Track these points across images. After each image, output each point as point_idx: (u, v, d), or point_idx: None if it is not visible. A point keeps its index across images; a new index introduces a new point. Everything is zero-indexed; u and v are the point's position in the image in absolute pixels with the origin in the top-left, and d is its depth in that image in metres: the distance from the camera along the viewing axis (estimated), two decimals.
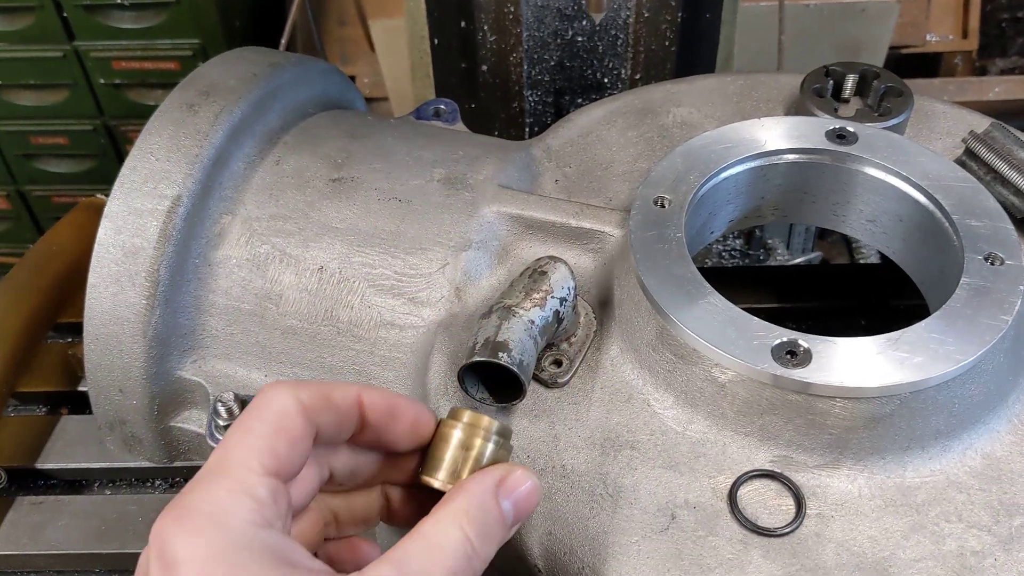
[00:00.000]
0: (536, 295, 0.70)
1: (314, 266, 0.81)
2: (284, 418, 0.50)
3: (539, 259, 0.73)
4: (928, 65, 2.47)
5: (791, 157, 0.80)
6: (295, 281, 0.81)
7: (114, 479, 0.91)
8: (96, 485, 0.92)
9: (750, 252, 1.37)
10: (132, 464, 0.89)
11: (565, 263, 0.73)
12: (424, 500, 0.56)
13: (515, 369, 0.65)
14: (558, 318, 0.71)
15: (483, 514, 0.51)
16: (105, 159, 2.25)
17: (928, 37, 2.32)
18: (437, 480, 0.55)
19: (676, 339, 0.69)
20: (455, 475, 0.55)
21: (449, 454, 0.56)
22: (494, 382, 0.70)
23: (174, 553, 0.44)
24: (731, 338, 0.67)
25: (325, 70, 0.99)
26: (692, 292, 0.70)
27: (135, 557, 0.84)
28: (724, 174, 0.80)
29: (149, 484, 0.91)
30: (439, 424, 0.57)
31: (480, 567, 0.50)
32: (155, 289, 0.80)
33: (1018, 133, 0.87)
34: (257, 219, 0.84)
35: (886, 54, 2.14)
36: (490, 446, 0.56)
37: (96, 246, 0.81)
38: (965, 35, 2.33)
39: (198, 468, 0.86)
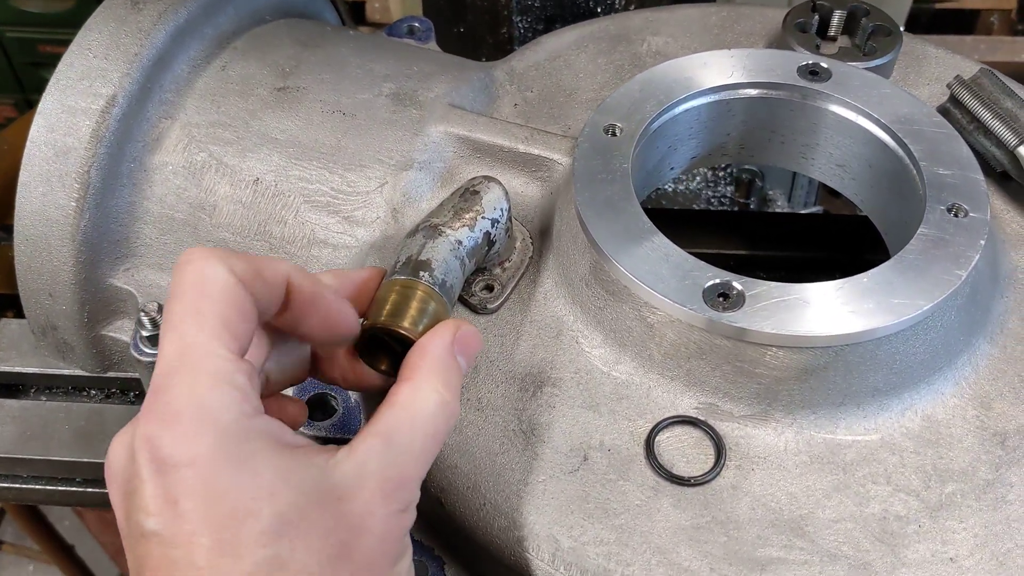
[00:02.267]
0: (466, 215, 0.66)
1: (250, 178, 0.78)
2: (230, 293, 0.47)
3: (472, 178, 0.69)
4: (964, 22, 2.36)
5: (755, 91, 0.75)
6: (230, 192, 0.78)
7: (50, 386, 0.89)
8: (32, 391, 0.90)
9: (741, 200, 1.32)
10: (66, 372, 0.86)
11: (499, 183, 0.68)
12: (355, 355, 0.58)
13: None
14: (488, 240, 0.67)
15: (448, 372, 0.53)
16: None
17: None
18: (403, 328, 0.56)
19: (608, 275, 0.65)
20: (415, 322, 0.57)
21: (406, 306, 0.57)
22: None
23: (173, 458, 0.43)
24: (663, 277, 0.63)
25: None
26: (631, 227, 0.66)
27: (55, 464, 0.83)
28: (683, 106, 0.75)
29: (85, 393, 0.89)
30: (382, 284, 0.59)
31: (455, 419, 0.52)
32: (85, 192, 0.77)
33: (1009, 81, 0.81)
34: (197, 125, 0.80)
35: (917, 9, 2.04)
36: (438, 299, 0.58)
37: (28, 143, 0.78)
38: None
39: (134, 379, 0.85)
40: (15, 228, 0.79)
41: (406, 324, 0.57)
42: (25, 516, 1.68)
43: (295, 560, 0.44)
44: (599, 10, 1.21)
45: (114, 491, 0.48)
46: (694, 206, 1.30)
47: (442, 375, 0.52)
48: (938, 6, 2.22)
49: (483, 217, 0.66)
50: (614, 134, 0.72)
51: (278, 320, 0.53)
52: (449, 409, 0.51)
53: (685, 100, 0.75)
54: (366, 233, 0.75)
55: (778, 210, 1.45)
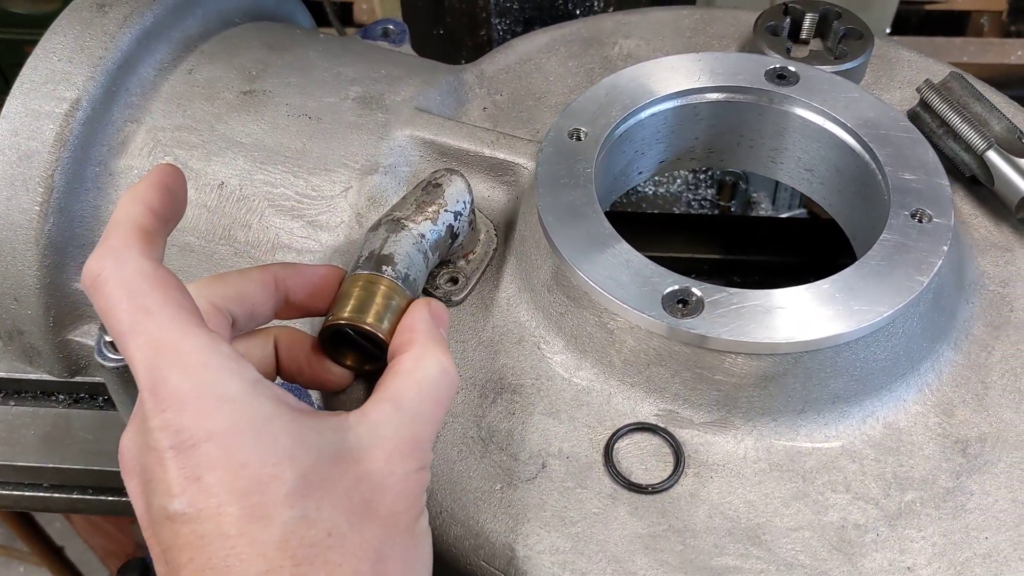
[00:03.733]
0: (429, 208, 0.65)
1: (215, 182, 0.77)
2: (154, 273, 0.48)
3: (435, 171, 0.68)
4: (953, 24, 2.35)
5: (721, 95, 0.75)
6: (195, 196, 0.78)
7: (18, 391, 0.89)
8: (0, 396, 0.89)
9: (722, 204, 1.31)
10: (33, 376, 0.86)
11: (462, 175, 0.68)
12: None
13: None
14: (452, 233, 0.67)
15: (441, 341, 0.55)
16: None
17: None
18: (368, 324, 0.57)
19: (570, 281, 0.65)
20: (379, 318, 0.57)
21: (371, 301, 0.58)
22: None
23: (192, 437, 0.44)
24: (623, 283, 0.62)
25: None
26: (592, 233, 0.65)
27: (21, 470, 0.83)
28: (649, 110, 0.74)
29: (52, 398, 0.89)
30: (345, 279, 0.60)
31: (457, 386, 0.54)
32: (49, 196, 0.76)
33: (980, 85, 0.81)
34: (162, 129, 0.80)
35: (905, 11, 2.03)
36: (401, 294, 0.59)
37: None
38: None
39: (101, 384, 0.85)
40: None
41: (370, 319, 0.57)
42: (14, 518, 1.67)
43: (322, 518, 0.45)
44: (577, 12, 1.21)
45: (132, 483, 0.48)
46: (674, 209, 1.29)
47: (437, 343, 0.55)
48: (928, 7, 2.21)
49: (446, 210, 0.66)
50: (579, 138, 0.71)
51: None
52: (450, 375, 0.53)
53: (651, 104, 0.74)
54: (330, 238, 0.75)
55: (762, 213, 1.44)
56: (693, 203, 1.31)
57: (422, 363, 0.53)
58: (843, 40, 0.83)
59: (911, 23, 2.36)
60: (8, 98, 0.78)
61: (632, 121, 0.74)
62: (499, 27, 1.22)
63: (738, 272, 0.96)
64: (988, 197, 0.76)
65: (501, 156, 0.76)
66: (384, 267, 0.59)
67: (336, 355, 0.59)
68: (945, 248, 0.63)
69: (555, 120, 0.72)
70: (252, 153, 0.78)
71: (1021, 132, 0.74)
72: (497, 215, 0.76)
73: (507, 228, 0.75)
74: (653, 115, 0.75)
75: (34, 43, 2.13)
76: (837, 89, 0.74)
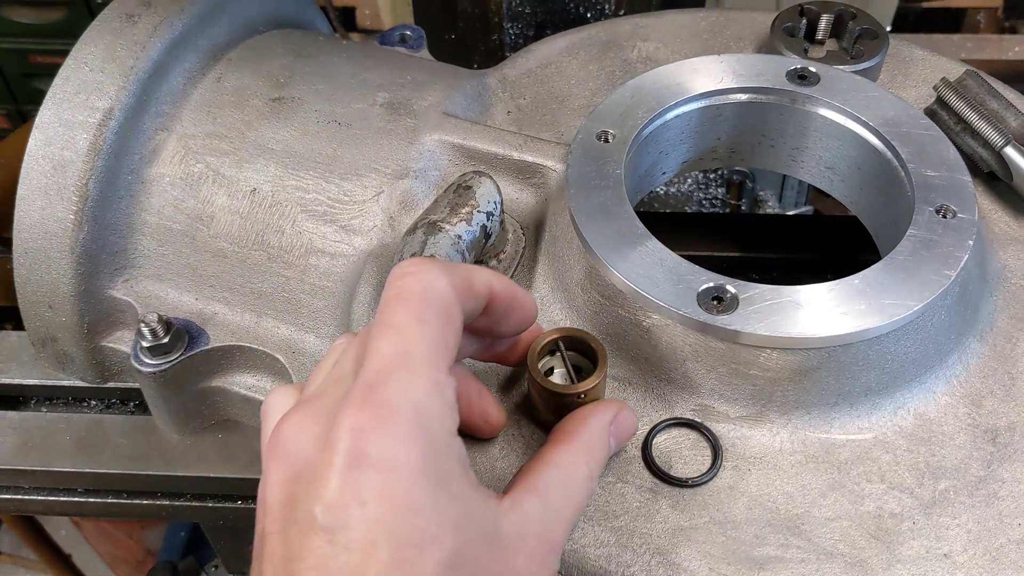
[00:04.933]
0: (462, 210, 0.67)
1: (247, 188, 0.79)
2: (449, 307, 0.48)
3: (463, 174, 0.70)
4: (951, 20, 2.38)
5: (745, 96, 0.76)
6: (227, 203, 0.79)
7: (50, 397, 0.90)
8: (32, 402, 0.90)
9: (733, 202, 1.33)
10: (66, 382, 0.87)
11: (490, 176, 0.70)
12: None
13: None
14: (485, 233, 0.69)
15: (600, 452, 0.55)
16: None
17: None
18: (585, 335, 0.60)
19: (603, 280, 0.66)
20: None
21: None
22: None
23: (378, 457, 0.42)
24: (657, 281, 0.64)
25: None
26: (624, 232, 0.67)
27: (57, 475, 0.84)
28: (674, 112, 0.76)
29: (85, 404, 0.89)
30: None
31: (591, 496, 0.54)
32: (84, 204, 0.77)
33: (995, 82, 0.82)
34: (193, 137, 0.81)
35: (904, 8, 2.06)
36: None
37: (26, 157, 0.79)
38: None
39: (134, 389, 0.86)
40: (14, 242, 0.79)
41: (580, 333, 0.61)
42: (22, 525, 1.68)
43: None
44: (589, 16, 1.22)
45: (276, 469, 0.45)
46: (686, 208, 1.31)
47: (594, 451, 0.54)
48: (925, 5, 2.24)
49: (478, 211, 0.68)
50: (607, 140, 0.73)
51: (475, 324, 0.54)
52: (591, 485, 0.53)
53: (676, 106, 0.76)
54: (363, 241, 0.76)
55: (769, 210, 1.46)
56: (704, 202, 1.33)
57: (573, 461, 0.53)
58: (859, 40, 0.85)
59: (908, 20, 2.38)
60: (41, 108, 0.79)
61: (658, 123, 0.75)
62: (511, 31, 1.24)
63: (756, 269, 0.98)
64: (1006, 192, 0.77)
65: (529, 159, 0.77)
66: None
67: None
68: (970, 243, 0.65)
69: (583, 123, 0.74)
70: (284, 159, 0.79)
71: None
72: (525, 216, 0.77)
73: (536, 229, 0.76)
74: (678, 116, 0.76)
75: (39, 52, 2.12)
76: (857, 88, 0.76)
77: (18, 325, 0.97)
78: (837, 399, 0.63)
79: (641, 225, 0.67)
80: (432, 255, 0.62)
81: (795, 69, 0.77)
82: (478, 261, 0.72)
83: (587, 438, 0.55)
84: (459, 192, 0.69)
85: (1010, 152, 0.74)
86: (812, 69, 0.77)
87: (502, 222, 0.72)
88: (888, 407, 0.64)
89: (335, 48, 0.88)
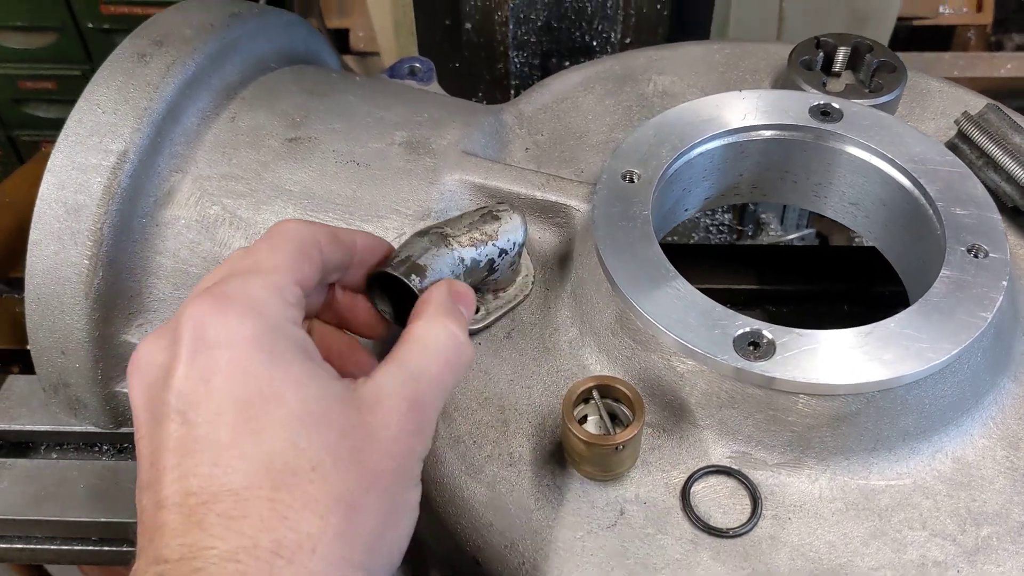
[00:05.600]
0: (477, 235, 0.66)
1: (265, 230, 0.77)
2: (308, 246, 0.54)
3: (499, 203, 0.69)
4: (940, 38, 2.39)
5: (769, 133, 0.76)
6: (245, 245, 0.77)
7: (61, 443, 0.88)
8: (43, 448, 0.89)
9: (739, 227, 1.32)
10: (78, 428, 0.85)
11: (521, 216, 0.68)
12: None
13: (418, 292, 0.59)
14: (491, 267, 0.67)
15: (454, 314, 0.55)
16: None
17: (941, 9, 2.24)
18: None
19: (635, 324, 0.65)
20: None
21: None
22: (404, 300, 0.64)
23: (216, 335, 0.47)
24: (692, 326, 0.63)
25: (289, 22, 0.95)
26: (655, 275, 0.66)
27: (71, 525, 0.82)
28: (698, 149, 0.75)
29: (96, 449, 0.88)
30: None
31: (468, 358, 0.54)
32: (98, 249, 0.76)
33: (1016, 116, 0.82)
34: (208, 178, 0.79)
35: (894, 26, 2.07)
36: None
37: (38, 201, 0.77)
38: (979, 8, 2.26)
39: None
40: (26, 287, 0.78)
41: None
42: (28, 571, 1.65)
43: (310, 450, 0.46)
44: (595, 44, 1.22)
45: (136, 384, 0.49)
46: (693, 235, 1.31)
47: (449, 315, 0.55)
48: (916, 23, 2.25)
49: (494, 243, 0.67)
50: (632, 180, 0.72)
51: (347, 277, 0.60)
52: (460, 343, 0.54)
53: (701, 144, 0.75)
54: None
55: (772, 233, 1.46)
56: (711, 228, 1.32)
57: (430, 329, 0.54)
58: (877, 73, 0.85)
59: (899, 38, 2.40)
60: (53, 152, 0.78)
61: (683, 161, 0.75)
62: (516, 60, 1.23)
63: (771, 301, 0.97)
64: None
65: (552, 198, 0.77)
66: (413, 276, 0.60)
67: (376, 302, 0.62)
68: (1004, 283, 0.65)
69: (607, 162, 0.73)
70: (302, 201, 0.78)
71: None
72: (548, 257, 0.77)
73: (560, 268, 0.75)
74: (701, 154, 0.76)
75: (28, 78, 2.10)
76: (881, 124, 0.76)
77: (26, 368, 0.96)
78: (875, 444, 0.63)
79: (672, 268, 0.66)
80: (425, 265, 0.61)
81: (818, 105, 0.77)
82: (475, 288, 0.69)
83: (437, 306, 0.55)
84: (484, 218, 0.67)
85: None
86: (835, 105, 0.76)
87: (514, 264, 0.70)
88: (926, 451, 0.64)
89: (349, 85, 0.87)
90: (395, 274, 0.60)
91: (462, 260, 0.64)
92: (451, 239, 0.64)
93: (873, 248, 0.82)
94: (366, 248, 0.60)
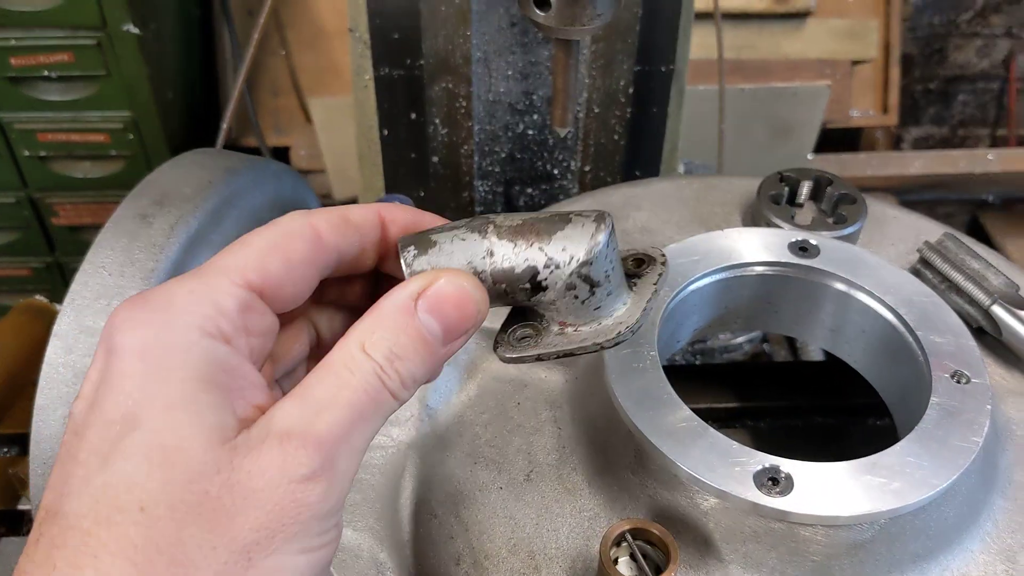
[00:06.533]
0: (528, 235, 0.50)
1: None
2: (286, 238, 0.47)
3: (584, 211, 0.53)
4: (851, 138, 2.56)
5: (758, 270, 0.81)
6: None
7: None
8: None
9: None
10: None
11: (604, 227, 0.51)
12: None
13: (406, 269, 0.49)
14: (535, 281, 0.51)
15: (394, 334, 0.45)
16: (29, 231, 2.18)
17: (851, 112, 2.40)
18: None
19: (657, 464, 0.68)
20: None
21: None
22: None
23: (117, 341, 0.43)
24: (712, 465, 0.66)
25: (278, 171, 0.98)
26: (670, 415, 0.70)
27: None
28: (692, 287, 0.80)
29: None
30: None
31: (404, 390, 0.45)
32: None
33: (968, 241, 0.90)
34: None
35: (818, 134, 2.21)
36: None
37: (44, 366, 0.77)
38: (885, 110, 2.43)
39: None
40: (32, 453, 0.77)
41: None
42: None
43: (146, 488, 0.40)
44: (555, 172, 1.27)
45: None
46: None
47: (380, 335, 0.45)
48: (829, 127, 2.40)
49: (540, 249, 0.50)
50: None
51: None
52: (383, 375, 0.44)
53: (694, 281, 0.80)
54: (400, 432, 0.77)
55: (721, 338, 1.52)
56: None
57: (345, 352, 0.45)
58: (838, 204, 0.92)
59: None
60: (59, 316, 0.78)
61: (678, 298, 0.79)
62: (481, 188, 1.28)
63: (751, 417, 1.02)
64: (995, 346, 0.83)
65: None
66: (412, 248, 0.50)
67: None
68: (989, 407, 0.70)
69: None
70: None
71: (1018, 287, 0.82)
72: (556, 396, 0.80)
73: (570, 408, 0.78)
74: (694, 291, 0.81)
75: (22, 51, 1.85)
76: (855, 258, 0.82)
77: (13, 528, 0.93)
78: (890, 568, 0.67)
79: (686, 407, 0.70)
80: (436, 241, 0.50)
81: (796, 242, 0.83)
82: (526, 307, 0.55)
83: (370, 322, 0.46)
84: (552, 219, 0.51)
85: (998, 311, 0.81)
86: (812, 242, 0.82)
87: (590, 296, 0.52)
88: (935, 571, 0.68)
89: None
90: (399, 244, 0.49)
91: (491, 253, 0.50)
92: (492, 226, 0.51)
93: (840, 362, 0.87)
94: (400, 221, 0.51)
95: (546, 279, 0.51)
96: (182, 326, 0.43)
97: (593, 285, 0.52)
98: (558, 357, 0.54)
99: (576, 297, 0.52)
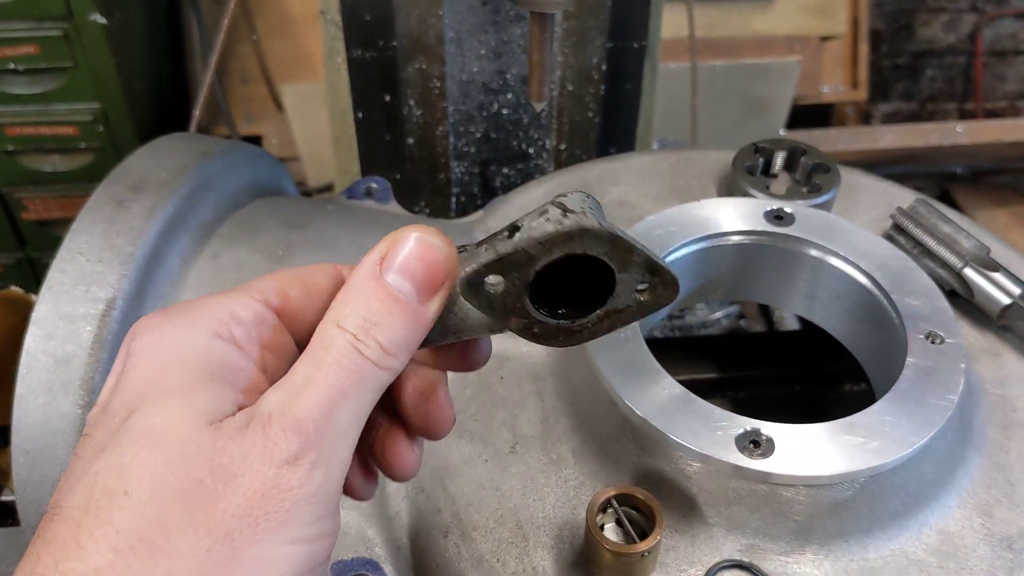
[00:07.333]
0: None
1: None
2: (310, 272, 0.48)
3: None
4: (822, 114, 2.58)
5: (735, 239, 0.82)
6: None
7: None
8: None
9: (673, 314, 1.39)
10: None
11: (589, 216, 0.48)
12: None
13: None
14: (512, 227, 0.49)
15: (364, 302, 0.44)
16: None
17: (822, 88, 2.42)
18: None
19: (639, 431, 0.69)
20: None
21: None
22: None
23: (134, 346, 0.44)
24: (695, 429, 0.67)
25: (254, 155, 0.97)
26: (651, 382, 0.70)
27: None
28: (671, 257, 0.81)
29: None
30: None
31: (388, 357, 0.44)
32: (91, 398, 0.76)
33: (940, 207, 0.91)
34: None
35: (789, 109, 2.23)
36: None
37: (24, 354, 0.77)
38: (855, 86, 2.45)
39: None
40: (13, 442, 0.77)
41: None
42: None
43: (132, 471, 0.39)
44: (531, 151, 1.28)
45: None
46: None
47: (351, 308, 0.44)
48: (800, 103, 2.42)
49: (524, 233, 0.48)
50: None
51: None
52: (362, 346, 0.43)
53: (674, 251, 0.81)
54: None
55: (699, 313, 1.54)
56: None
57: (322, 332, 0.44)
58: (812, 174, 0.93)
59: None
60: (37, 303, 0.78)
61: None
62: (457, 169, 1.28)
63: (731, 387, 1.03)
64: (966, 307, 0.85)
65: None
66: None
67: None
68: (963, 366, 0.71)
69: None
70: None
71: (988, 249, 0.84)
72: (540, 370, 0.80)
73: (551, 378, 0.79)
74: (673, 261, 0.81)
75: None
76: (829, 225, 0.83)
77: None
78: (870, 526, 0.68)
79: (667, 374, 0.71)
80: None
81: (771, 210, 0.83)
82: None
83: (340, 300, 0.45)
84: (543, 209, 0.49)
85: (970, 273, 0.82)
86: (787, 210, 0.83)
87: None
88: (914, 527, 0.69)
89: (324, 215, 0.90)
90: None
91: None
92: (558, 208, 0.48)
93: (817, 330, 0.89)
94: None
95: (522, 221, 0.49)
96: (194, 327, 0.44)
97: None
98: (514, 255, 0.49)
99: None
